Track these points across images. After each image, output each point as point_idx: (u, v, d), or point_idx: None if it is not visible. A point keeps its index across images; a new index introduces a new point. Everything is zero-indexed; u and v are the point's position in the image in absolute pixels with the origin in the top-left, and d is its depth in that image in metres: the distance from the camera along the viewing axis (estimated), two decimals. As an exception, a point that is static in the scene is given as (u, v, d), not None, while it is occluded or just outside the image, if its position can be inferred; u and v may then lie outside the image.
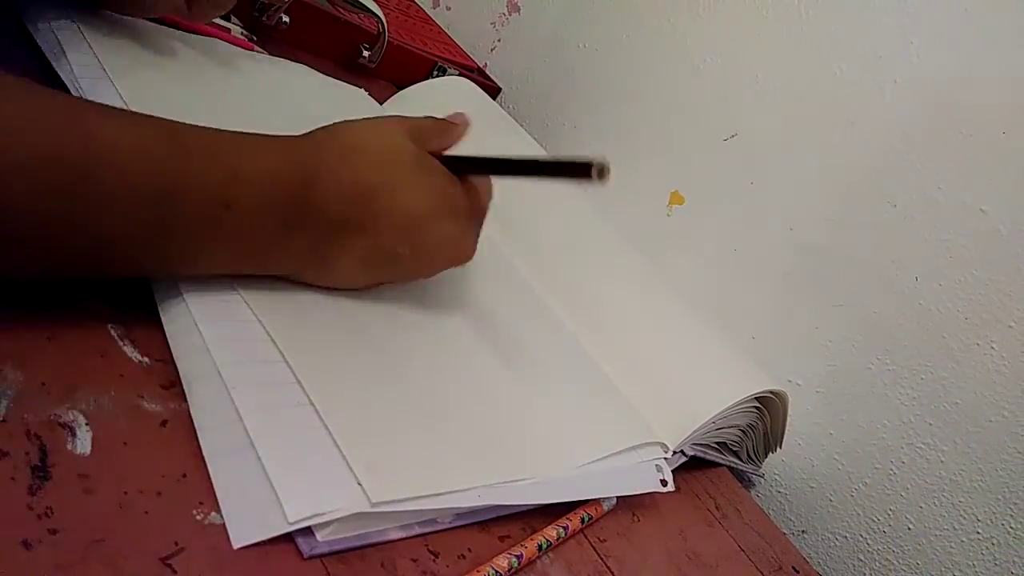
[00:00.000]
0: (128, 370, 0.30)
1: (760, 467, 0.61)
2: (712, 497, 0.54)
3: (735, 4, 0.70)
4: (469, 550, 0.34)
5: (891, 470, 0.60)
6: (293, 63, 0.60)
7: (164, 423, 0.29)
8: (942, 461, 0.58)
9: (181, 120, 0.31)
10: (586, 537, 0.41)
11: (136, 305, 0.33)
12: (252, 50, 0.58)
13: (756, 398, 0.53)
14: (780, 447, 0.60)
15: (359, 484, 0.30)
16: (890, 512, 0.60)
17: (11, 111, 0.25)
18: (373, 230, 0.35)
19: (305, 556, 0.28)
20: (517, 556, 0.34)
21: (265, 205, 0.32)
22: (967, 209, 0.57)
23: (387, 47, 0.70)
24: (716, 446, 0.55)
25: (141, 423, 0.29)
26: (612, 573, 0.39)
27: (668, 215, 0.73)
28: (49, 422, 0.27)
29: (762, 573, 0.50)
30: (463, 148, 0.41)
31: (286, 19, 0.62)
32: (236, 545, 0.27)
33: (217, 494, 0.28)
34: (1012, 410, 0.55)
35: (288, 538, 0.28)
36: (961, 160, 0.58)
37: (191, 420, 0.30)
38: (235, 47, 0.56)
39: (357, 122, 0.36)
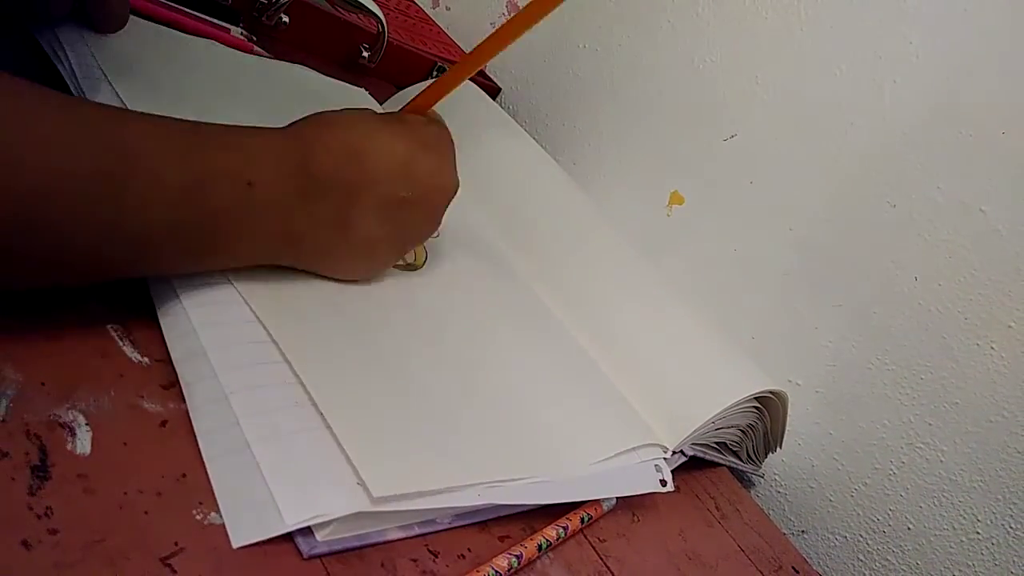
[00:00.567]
0: (128, 370, 0.30)
1: (760, 467, 0.61)
2: (712, 497, 0.54)
3: (735, 4, 0.70)
4: (469, 550, 0.34)
5: (891, 470, 0.60)
6: (292, 64, 0.60)
7: (164, 423, 0.29)
8: (942, 461, 0.58)
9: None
10: (586, 537, 0.41)
11: (136, 305, 0.33)
12: (252, 50, 0.58)
13: (756, 398, 0.53)
14: (780, 447, 0.60)
15: (360, 482, 0.30)
16: (890, 512, 0.60)
17: (50, 128, 0.27)
18: (374, 182, 0.38)
19: (305, 556, 0.28)
20: (517, 556, 0.35)
21: (280, 178, 0.34)
22: (967, 209, 0.57)
23: (387, 47, 0.70)
24: (716, 446, 0.55)
25: (141, 423, 0.29)
26: (612, 573, 0.39)
27: (668, 215, 0.73)
28: (49, 422, 0.27)
29: (762, 573, 0.50)
30: (464, 150, 0.41)
31: (286, 19, 0.62)
32: (236, 545, 0.27)
33: (217, 495, 0.28)
34: (1012, 410, 0.55)
35: (288, 538, 0.28)
36: (961, 160, 0.58)
37: (191, 420, 0.30)
38: (234, 47, 0.56)
39: (329, 109, 0.40)
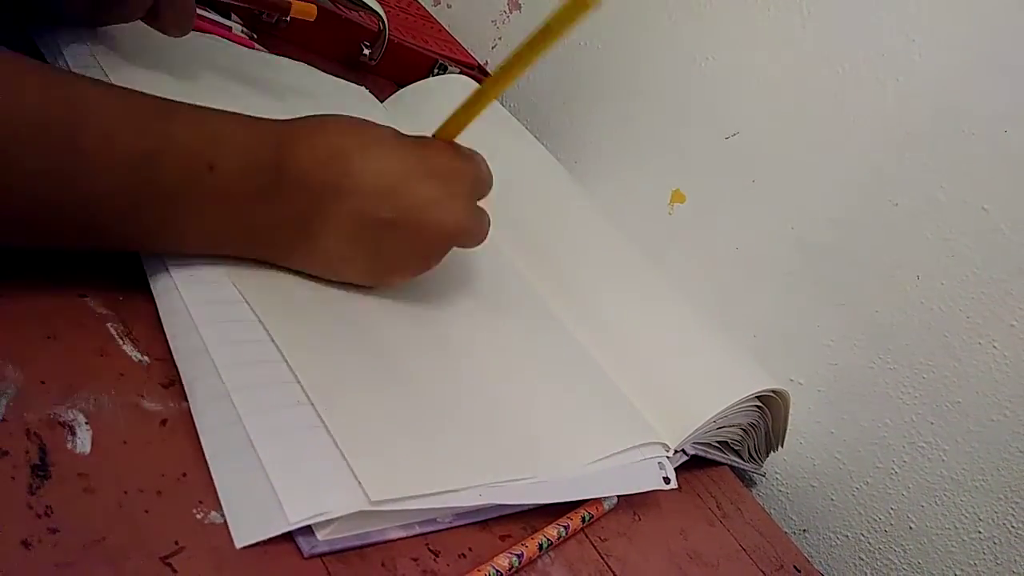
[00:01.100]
0: (128, 369, 0.30)
1: (761, 466, 0.61)
2: (713, 496, 0.54)
3: (737, 2, 0.70)
4: (470, 549, 0.34)
5: (893, 469, 0.60)
6: (294, 61, 0.59)
7: (164, 422, 0.29)
8: (944, 460, 0.58)
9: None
10: (587, 536, 0.40)
11: (136, 304, 0.33)
12: (252, 48, 0.58)
13: (757, 397, 0.53)
14: (781, 446, 0.60)
15: (359, 483, 0.30)
16: (891, 511, 0.60)
17: (15, 81, 0.26)
18: (350, 192, 0.35)
19: (305, 555, 0.28)
20: (518, 555, 0.34)
21: (246, 167, 0.33)
22: (969, 208, 0.57)
23: (388, 45, 0.70)
24: (717, 445, 0.55)
25: (141, 422, 0.29)
26: (613, 572, 0.39)
27: (670, 213, 0.73)
28: (49, 421, 0.27)
29: (763, 572, 0.50)
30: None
31: (287, 17, 0.62)
32: (237, 545, 0.27)
33: (219, 494, 0.28)
34: (1014, 409, 0.55)
35: (288, 537, 0.28)
36: (963, 158, 0.58)
37: (191, 419, 0.30)
38: (235, 45, 0.56)
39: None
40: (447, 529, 0.34)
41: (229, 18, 0.59)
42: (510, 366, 0.44)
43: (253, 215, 0.34)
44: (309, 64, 0.60)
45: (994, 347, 0.56)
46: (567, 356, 0.50)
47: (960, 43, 0.58)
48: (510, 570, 0.34)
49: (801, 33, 0.66)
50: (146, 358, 0.31)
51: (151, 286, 0.34)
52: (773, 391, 0.54)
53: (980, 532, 0.56)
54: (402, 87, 0.68)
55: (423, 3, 0.93)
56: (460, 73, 0.77)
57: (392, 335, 0.40)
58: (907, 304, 0.60)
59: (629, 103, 0.77)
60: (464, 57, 0.84)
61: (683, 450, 0.51)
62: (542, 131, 0.82)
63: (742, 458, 0.58)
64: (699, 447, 0.52)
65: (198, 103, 0.33)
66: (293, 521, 0.28)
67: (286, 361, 0.33)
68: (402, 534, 0.32)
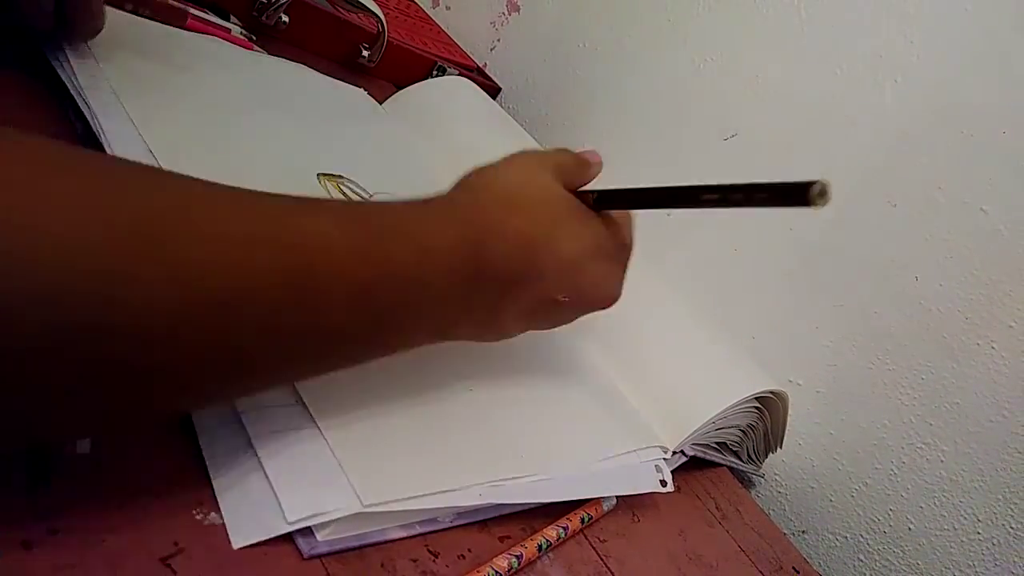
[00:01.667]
0: (128, 370, 0.30)
1: (760, 467, 0.61)
2: (712, 497, 0.54)
3: (735, 3, 0.70)
4: (469, 550, 0.34)
5: (891, 470, 0.60)
6: (293, 63, 0.59)
7: (164, 423, 0.29)
8: (942, 461, 0.58)
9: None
10: (586, 537, 0.40)
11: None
12: (252, 50, 0.58)
13: (756, 398, 0.53)
14: (780, 447, 0.60)
15: (353, 487, 0.30)
16: (890, 512, 0.60)
17: (238, 228, 0.25)
18: (539, 280, 0.36)
19: (305, 556, 0.28)
20: (517, 556, 0.34)
21: (449, 273, 0.32)
22: (968, 209, 0.57)
23: (387, 47, 0.70)
24: (716, 446, 0.55)
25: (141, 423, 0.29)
26: (612, 573, 0.39)
27: (668, 214, 0.73)
28: (49, 422, 0.26)
29: (762, 573, 0.50)
30: (463, 149, 0.41)
31: (286, 19, 0.62)
32: (236, 545, 0.27)
33: (217, 495, 0.28)
34: (1012, 410, 0.55)
35: (288, 538, 0.28)
36: (962, 159, 0.58)
37: (191, 420, 0.30)
38: (235, 47, 0.56)
39: (506, 168, 0.37)
40: (446, 530, 0.34)
41: (228, 20, 0.59)
42: (509, 369, 0.44)
43: (450, 314, 0.34)
44: (308, 66, 0.60)
45: (993, 348, 0.56)
46: (566, 358, 0.50)
47: (958, 44, 0.58)
48: (509, 571, 0.34)
49: (799, 34, 0.66)
50: (146, 359, 0.31)
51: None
52: (772, 392, 0.54)
53: (979, 533, 0.56)
54: (401, 89, 0.68)
55: (422, 5, 0.93)
56: (459, 75, 0.77)
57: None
58: (906, 305, 0.60)
59: (627, 104, 0.77)
60: (463, 59, 0.84)
61: (682, 451, 0.51)
62: (541, 133, 0.82)
63: (741, 459, 0.58)
64: (698, 448, 0.52)
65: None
66: (292, 522, 0.28)
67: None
68: (402, 534, 0.32)
